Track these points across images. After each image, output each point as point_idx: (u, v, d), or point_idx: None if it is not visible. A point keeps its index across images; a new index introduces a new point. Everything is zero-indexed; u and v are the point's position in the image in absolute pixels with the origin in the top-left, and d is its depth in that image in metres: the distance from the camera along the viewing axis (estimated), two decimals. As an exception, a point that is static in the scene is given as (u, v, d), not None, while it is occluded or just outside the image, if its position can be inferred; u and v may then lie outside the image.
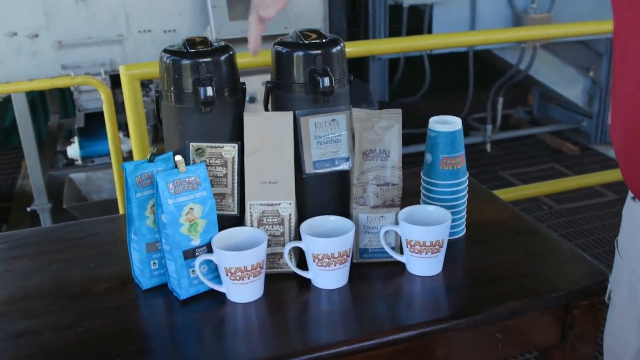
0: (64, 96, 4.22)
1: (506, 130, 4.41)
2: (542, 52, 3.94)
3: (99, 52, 2.73)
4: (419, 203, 1.28)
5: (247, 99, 2.69)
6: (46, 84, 2.01)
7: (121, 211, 1.93)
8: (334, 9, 3.50)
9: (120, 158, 1.81)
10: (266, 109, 1.19)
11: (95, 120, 2.87)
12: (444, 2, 3.52)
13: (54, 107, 3.91)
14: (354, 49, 2.47)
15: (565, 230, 3.18)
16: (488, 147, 4.22)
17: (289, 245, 1.10)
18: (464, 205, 1.27)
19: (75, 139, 2.73)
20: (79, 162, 2.78)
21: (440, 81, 4.20)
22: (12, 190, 3.77)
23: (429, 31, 3.60)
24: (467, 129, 4.28)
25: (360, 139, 1.14)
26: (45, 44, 2.66)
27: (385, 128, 1.14)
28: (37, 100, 4.53)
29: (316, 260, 1.09)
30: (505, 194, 2.98)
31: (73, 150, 2.73)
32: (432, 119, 1.23)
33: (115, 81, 2.64)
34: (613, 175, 3.21)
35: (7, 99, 2.75)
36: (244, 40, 2.67)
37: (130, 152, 2.73)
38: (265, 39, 2.68)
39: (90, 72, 2.70)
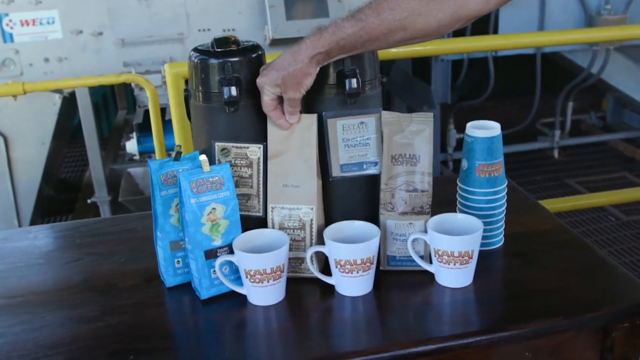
0: (132, 92, 4.34)
1: (576, 136, 4.23)
2: (616, 55, 3.74)
3: (160, 50, 2.78)
4: (455, 211, 1.23)
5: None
6: (94, 81, 2.06)
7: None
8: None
9: (164, 154, 1.84)
10: (296, 109, 1.17)
11: (154, 116, 2.93)
12: (511, 2, 3.40)
13: (121, 102, 4.02)
14: (415, 48, 2.42)
15: (631, 243, 3.02)
16: (555, 153, 4.06)
17: (311, 250, 1.07)
18: (502, 215, 1.21)
19: (134, 134, 2.79)
20: (137, 157, 2.85)
21: (506, 84, 4.06)
22: (80, 182, 3.91)
23: (495, 31, 3.48)
24: (535, 134, 4.13)
25: (389, 142, 1.10)
26: (108, 41, 2.73)
27: (416, 132, 1.10)
28: (109, 95, 4.69)
29: (339, 266, 1.06)
30: (566, 203, 2.86)
31: (131, 146, 2.79)
32: (469, 124, 1.18)
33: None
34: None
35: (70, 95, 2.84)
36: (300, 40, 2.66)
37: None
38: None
39: (151, 70, 2.75)
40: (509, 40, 2.86)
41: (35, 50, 2.70)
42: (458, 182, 1.21)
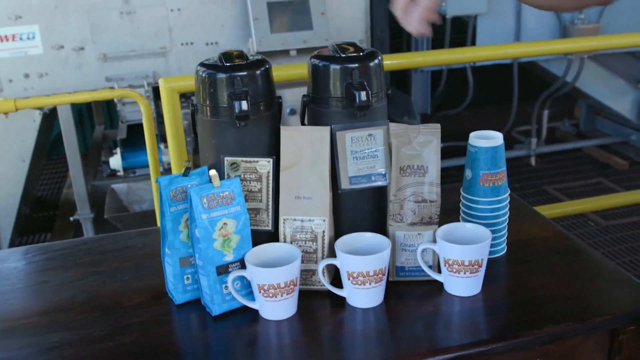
0: (109, 107, 4.30)
1: (552, 144, 4.31)
2: (589, 64, 3.84)
3: (143, 64, 2.77)
4: (458, 220, 1.25)
5: (287, 111, 2.70)
6: (87, 96, 2.04)
7: (158, 223, 1.94)
8: (377, 21, 3.48)
9: (158, 170, 1.82)
10: (302, 123, 1.18)
11: (137, 131, 2.91)
12: (488, 13, 3.46)
13: (99, 118, 3.98)
14: (396, 61, 2.44)
15: (611, 247, 3.08)
16: (533, 161, 4.13)
17: (323, 263, 1.08)
18: (505, 223, 1.22)
19: (118, 149, 2.76)
20: (121, 172, 2.82)
21: (484, 93, 4.13)
22: (58, 200, 3.85)
23: (473, 43, 3.54)
24: (512, 142, 4.20)
25: (397, 154, 1.11)
26: (90, 56, 2.71)
27: (424, 143, 1.11)
28: (84, 111, 4.63)
29: (351, 279, 1.06)
30: (550, 210, 2.90)
31: (115, 161, 2.77)
32: (472, 134, 1.20)
33: (158, 93, 2.67)
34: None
35: (54, 111, 2.81)
36: (284, 53, 2.68)
37: (170, 164, 2.76)
38: (304, 51, 2.67)
39: (134, 84, 2.74)
40: (487, 52, 2.91)
41: (15, 66, 2.67)
42: (462, 192, 1.23)
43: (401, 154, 1.11)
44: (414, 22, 0.88)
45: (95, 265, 1.28)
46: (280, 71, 1.88)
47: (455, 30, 3.58)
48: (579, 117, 4.62)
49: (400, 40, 4.09)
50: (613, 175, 3.95)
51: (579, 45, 2.94)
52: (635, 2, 3.56)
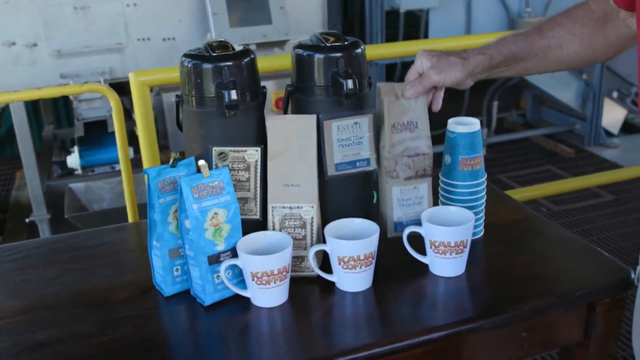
0: (57, 106, 4.19)
1: (501, 134, 4.43)
2: (535, 56, 3.96)
3: (98, 60, 2.72)
4: (437, 204, 1.28)
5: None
6: (54, 91, 1.99)
7: (130, 219, 1.92)
8: (331, 16, 3.50)
9: (129, 166, 1.80)
10: (285, 113, 1.19)
11: (94, 129, 2.86)
12: (440, 7, 3.54)
13: (47, 117, 3.87)
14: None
15: (564, 231, 3.19)
16: (484, 151, 4.23)
17: (314, 249, 1.09)
18: (483, 206, 1.27)
19: (75, 148, 2.70)
20: (79, 171, 2.76)
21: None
22: (7, 202, 3.74)
23: (426, 36, 3.61)
24: (463, 133, 4.29)
25: (388, 112, 1.15)
26: (43, 53, 2.64)
27: (412, 100, 1.15)
28: (30, 111, 4.50)
29: (342, 263, 1.08)
30: (515, 195, 2.99)
31: (73, 160, 2.71)
32: (450, 120, 1.23)
33: (115, 89, 2.62)
34: (610, 176, 3.23)
35: (1, 110, 2.73)
36: (244, 47, 2.66)
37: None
38: (265, 45, 2.66)
39: (90, 81, 2.67)
40: (439, 44, 2.97)
41: (-35, 64, 2.58)
42: (440, 176, 1.26)
43: (391, 112, 1.14)
44: (413, 90, 1.15)
45: (74, 262, 1.26)
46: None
47: (408, 25, 3.65)
48: (526, 108, 4.76)
49: (352, 34, 4.13)
50: (560, 163, 4.09)
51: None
52: (578, -5, 3.69)
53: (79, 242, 1.35)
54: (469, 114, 4.26)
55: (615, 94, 4.27)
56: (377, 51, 2.84)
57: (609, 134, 4.35)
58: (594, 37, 1.16)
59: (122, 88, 2.60)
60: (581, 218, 3.33)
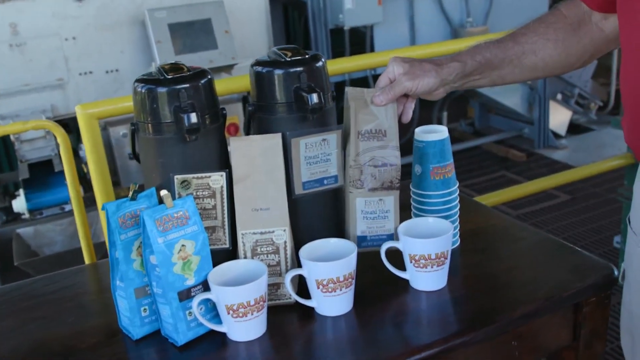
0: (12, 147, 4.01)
1: (452, 144, 4.45)
2: (480, 64, 4.01)
3: (39, 98, 2.61)
4: (410, 217, 1.24)
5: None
6: (-2, 131, 1.88)
7: (87, 260, 1.82)
8: (276, 37, 3.47)
9: (82, 204, 1.71)
10: (247, 134, 1.13)
11: (39, 170, 2.73)
12: (384, 22, 3.55)
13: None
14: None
15: (525, 235, 3.21)
16: (438, 162, 4.25)
17: (291, 274, 1.03)
18: (457, 215, 1.23)
19: (21, 191, 2.58)
20: (26, 215, 2.63)
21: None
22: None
23: (372, 51, 3.62)
24: (415, 146, 4.30)
25: (355, 118, 1.09)
26: (-21, 94, 2.52)
27: (381, 107, 1.10)
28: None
29: (320, 287, 1.03)
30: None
31: (19, 204, 2.57)
32: (418, 129, 1.20)
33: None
34: (565, 176, 3.27)
35: None
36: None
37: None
38: (213, 70, 2.63)
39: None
40: (384, 57, 2.96)
41: None
42: (412, 187, 1.23)
43: (359, 118, 1.09)
44: (383, 96, 1.10)
45: (34, 310, 1.17)
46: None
47: (354, 42, 3.64)
48: (474, 116, 4.82)
49: (298, 55, 4.10)
50: (513, 167, 4.14)
51: (468, 45, 3.04)
52: (518, 3, 3.77)
53: (37, 288, 1.26)
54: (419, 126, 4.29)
55: (559, 96, 4.37)
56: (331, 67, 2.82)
57: (556, 135, 4.44)
58: (567, 42, 1.14)
59: (65, 126, 2.50)
60: (540, 220, 3.36)
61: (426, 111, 4.21)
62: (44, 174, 2.66)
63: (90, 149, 1.58)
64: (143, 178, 1.09)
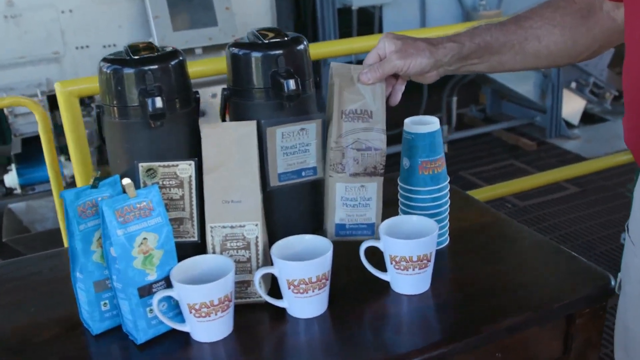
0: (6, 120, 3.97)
1: (461, 130, 4.36)
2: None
3: (34, 71, 2.55)
4: (397, 213, 1.17)
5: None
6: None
7: (65, 244, 1.76)
8: (281, 15, 3.39)
9: (60, 185, 1.64)
10: (223, 120, 1.06)
11: (33, 145, 2.68)
12: (393, 3, 3.44)
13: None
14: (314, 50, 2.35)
15: (531, 227, 3.13)
16: (445, 148, 4.16)
17: (260, 272, 0.97)
18: (447, 212, 1.16)
19: (13, 166, 2.53)
20: (18, 190, 2.58)
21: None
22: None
23: (380, 31, 3.52)
24: (423, 131, 4.21)
25: (339, 96, 1.00)
26: (-27, 66, 2.46)
27: (369, 86, 1.01)
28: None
29: (292, 287, 0.96)
30: (479, 195, 2.90)
31: (11, 179, 2.53)
32: (407, 120, 1.12)
33: (54, 102, 2.46)
34: (575, 169, 3.18)
35: None
36: (189, 52, 2.53)
37: (73, 177, 2.55)
38: (212, 48, 2.52)
39: (26, 94, 2.50)
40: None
41: None
42: (399, 182, 1.15)
43: (343, 97, 1.00)
44: (371, 74, 1.01)
45: (-4, 298, 1.11)
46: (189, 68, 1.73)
47: (361, 22, 3.54)
48: (485, 102, 4.71)
49: (305, 33, 4.02)
50: (523, 157, 4.04)
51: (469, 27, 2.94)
52: (532, -14, 3.64)
53: (4, 274, 1.20)
54: (427, 111, 4.20)
55: (573, 85, 4.25)
56: (331, 48, 2.72)
57: (569, 125, 4.32)
58: (575, 29, 1.04)
59: (61, 100, 2.43)
60: (547, 212, 3.27)
61: (435, 95, 4.11)
62: (37, 149, 2.60)
63: (70, 128, 1.51)
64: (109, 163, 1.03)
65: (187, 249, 1.00)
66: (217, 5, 2.50)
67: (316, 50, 2.55)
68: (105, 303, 0.98)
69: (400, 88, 1.08)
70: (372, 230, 1.07)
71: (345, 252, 1.05)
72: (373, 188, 1.03)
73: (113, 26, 2.58)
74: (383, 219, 1.07)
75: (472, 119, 4.67)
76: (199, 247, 1.01)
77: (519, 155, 4.07)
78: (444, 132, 4.11)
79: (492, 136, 4.39)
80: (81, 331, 1.00)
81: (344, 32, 3.51)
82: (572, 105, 4.33)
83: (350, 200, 1.03)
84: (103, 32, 2.57)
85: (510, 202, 3.37)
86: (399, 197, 1.16)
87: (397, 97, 1.08)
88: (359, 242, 1.04)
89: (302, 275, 0.95)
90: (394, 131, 1.37)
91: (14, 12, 2.45)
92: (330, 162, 1.02)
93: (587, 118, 4.47)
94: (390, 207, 1.17)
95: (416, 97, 4.00)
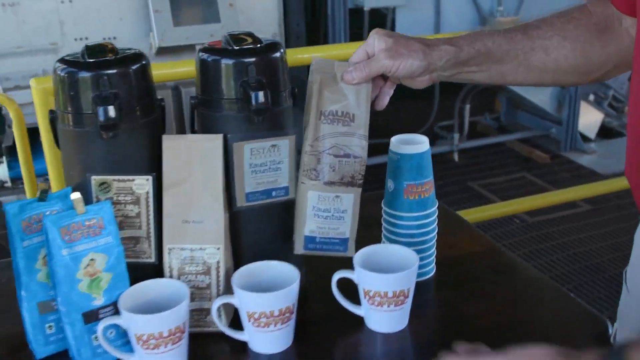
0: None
1: (474, 139, 4.25)
2: (509, 57, 3.78)
3: (32, 62, 2.48)
4: (380, 237, 1.08)
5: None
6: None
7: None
8: (292, 14, 3.30)
9: (35, 187, 1.57)
10: (192, 131, 0.98)
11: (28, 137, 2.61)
12: (407, 5, 3.34)
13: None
14: (314, 54, 2.27)
15: (539, 245, 3.02)
16: (456, 157, 4.05)
17: (218, 302, 0.88)
18: (434, 241, 1.06)
19: (4, 158, 2.46)
20: (9, 184, 2.52)
21: (405, 87, 4.02)
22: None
23: (392, 36, 3.42)
24: (434, 138, 4.11)
25: (319, 95, 0.90)
26: (-31, 53, 2.40)
27: (353, 87, 0.91)
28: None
29: (252, 320, 0.87)
30: (480, 213, 2.80)
31: (2, 172, 2.46)
32: (394, 139, 1.03)
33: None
34: (588, 189, 3.06)
35: None
36: (189, 48, 2.45)
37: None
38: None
39: (21, 85, 2.45)
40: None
41: None
42: (383, 206, 1.06)
43: (324, 96, 0.90)
44: (356, 73, 0.91)
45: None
46: (165, 69, 1.64)
47: (373, 23, 3.44)
48: (500, 111, 4.59)
49: (317, 33, 3.93)
50: (535, 169, 3.92)
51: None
52: (553, -6, 3.52)
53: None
54: (439, 118, 4.09)
55: (591, 97, 4.12)
56: (340, 51, 2.63)
57: (585, 138, 4.19)
58: (589, 44, 0.93)
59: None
60: (557, 230, 3.15)
61: (448, 100, 4.00)
62: (31, 141, 2.54)
63: (45, 128, 1.43)
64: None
65: (144, 270, 0.91)
66: (220, 1, 2.42)
67: (326, 52, 2.46)
68: (50, 326, 0.90)
69: (388, 92, 0.98)
70: (345, 247, 0.96)
71: (320, 272, 0.96)
72: (349, 200, 0.93)
73: (114, 18, 2.51)
74: (368, 243, 0.97)
75: (485, 127, 4.55)
76: (156, 269, 0.92)
77: (532, 167, 3.95)
78: (454, 140, 4.00)
79: (504, 146, 4.27)
80: (27, 354, 0.92)
81: (355, 33, 3.42)
82: (589, 118, 4.20)
83: (323, 211, 0.93)
84: (103, 24, 2.50)
85: (519, 218, 3.26)
86: (383, 222, 1.07)
87: (384, 102, 0.98)
88: (337, 260, 0.94)
89: (263, 308, 0.86)
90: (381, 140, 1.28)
91: (12, 1, 2.38)
92: (304, 167, 0.91)
93: (604, 132, 4.34)
94: (373, 229, 1.08)
95: (427, 102, 3.89)
